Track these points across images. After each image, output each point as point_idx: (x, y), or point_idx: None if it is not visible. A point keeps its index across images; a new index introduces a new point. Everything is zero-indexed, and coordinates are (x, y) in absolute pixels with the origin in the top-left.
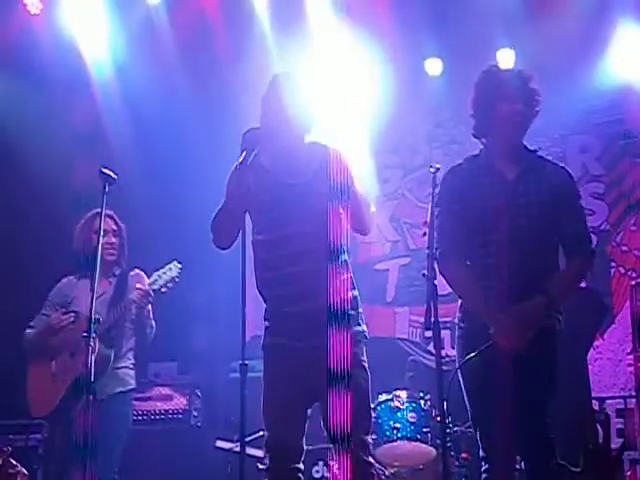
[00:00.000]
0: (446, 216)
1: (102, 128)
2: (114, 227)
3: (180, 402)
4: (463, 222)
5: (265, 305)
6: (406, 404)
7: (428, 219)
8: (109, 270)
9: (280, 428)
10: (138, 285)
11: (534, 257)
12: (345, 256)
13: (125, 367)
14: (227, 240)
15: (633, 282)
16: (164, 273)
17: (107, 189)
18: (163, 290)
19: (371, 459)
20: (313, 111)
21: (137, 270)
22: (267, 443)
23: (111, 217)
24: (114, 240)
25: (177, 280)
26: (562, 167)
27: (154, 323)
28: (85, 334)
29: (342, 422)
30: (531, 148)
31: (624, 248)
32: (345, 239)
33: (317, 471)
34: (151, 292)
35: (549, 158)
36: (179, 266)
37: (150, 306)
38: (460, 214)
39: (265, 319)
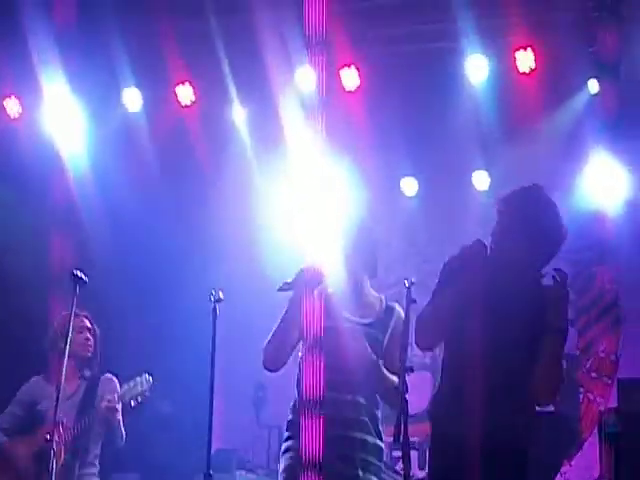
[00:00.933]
0: None
1: (77, 226)
2: (89, 326)
3: None
4: None
5: None
6: None
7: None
8: (80, 370)
9: None
10: (107, 397)
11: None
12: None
13: (91, 474)
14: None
15: (601, 408)
16: (134, 386)
17: (78, 290)
18: (132, 404)
19: None
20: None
21: (109, 375)
22: None
23: (87, 317)
24: (90, 337)
25: (147, 394)
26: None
27: (124, 432)
28: (49, 438)
29: None
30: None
31: (593, 375)
32: None
33: None
34: (119, 407)
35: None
36: (150, 379)
37: (121, 418)
38: None
39: None
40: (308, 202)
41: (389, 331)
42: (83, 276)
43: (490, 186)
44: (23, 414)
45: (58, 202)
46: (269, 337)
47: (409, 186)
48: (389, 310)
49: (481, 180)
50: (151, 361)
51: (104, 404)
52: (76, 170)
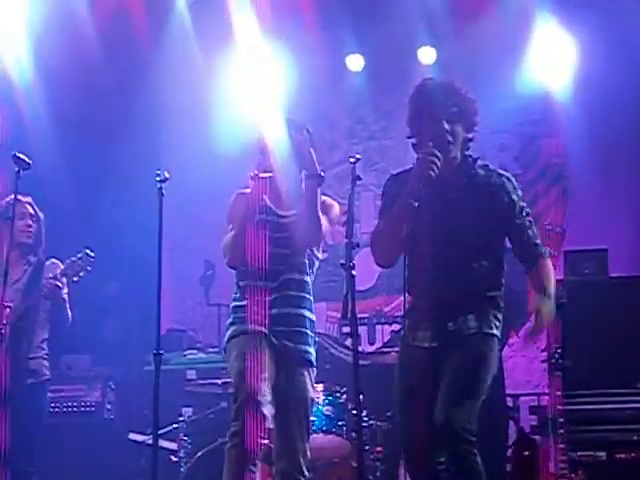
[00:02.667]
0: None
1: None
2: (32, 212)
3: (93, 395)
4: None
5: None
6: (322, 397)
7: (347, 208)
8: (24, 256)
9: None
10: (50, 274)
11: (468, 270)
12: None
13: (39, 357)
14: None
15: None
16: (75, 262)
17: (20, 174)
18: (75, 279)
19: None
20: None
21: (53, 260)
22: None
23: (30, 203)
24: (32, 224)
25: (89, 269)
26: (506, 178)
27: (70, 313)
28: None
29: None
30: (474, 157)
31: None
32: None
33: None
34: (62, 281)
35: (493, 168)
36: (91, 254)
37: (66, 296)
38: None
39: None
40: (250, 82)
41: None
42: (26, 158)
43: (436, 61)
44: None
45: None
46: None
47: (355, 62)
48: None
49: (427, 55)
50: (97, 243)
51: (46, 281)
52: (14, 48)
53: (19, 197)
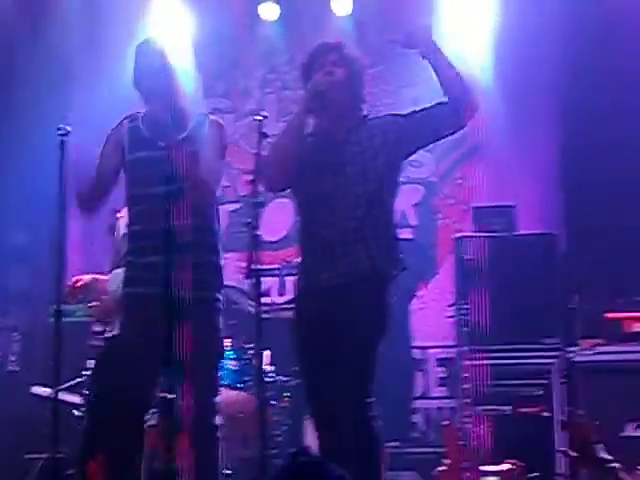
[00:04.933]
0: None
1: None
2: None
3: None
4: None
5: None
6: (228, 352)
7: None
8: None
9: None
10: None
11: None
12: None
13: None
14: None
15: (457, 234)
16: None
17: None
18: None
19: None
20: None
21: None
22: None
23: None
24: None
25: None
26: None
27: None
28: None
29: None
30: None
31: (450, 201)
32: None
33: None
34: None
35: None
36: None
37: None
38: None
39: None
40: (160, 29)
41: (204, 141)
42: None
43: (352, 12)
44: None
45: None
46: None
47: (269, 11)
48: (199, 123)
49: (341, 5)
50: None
51: None
52: None
53: None
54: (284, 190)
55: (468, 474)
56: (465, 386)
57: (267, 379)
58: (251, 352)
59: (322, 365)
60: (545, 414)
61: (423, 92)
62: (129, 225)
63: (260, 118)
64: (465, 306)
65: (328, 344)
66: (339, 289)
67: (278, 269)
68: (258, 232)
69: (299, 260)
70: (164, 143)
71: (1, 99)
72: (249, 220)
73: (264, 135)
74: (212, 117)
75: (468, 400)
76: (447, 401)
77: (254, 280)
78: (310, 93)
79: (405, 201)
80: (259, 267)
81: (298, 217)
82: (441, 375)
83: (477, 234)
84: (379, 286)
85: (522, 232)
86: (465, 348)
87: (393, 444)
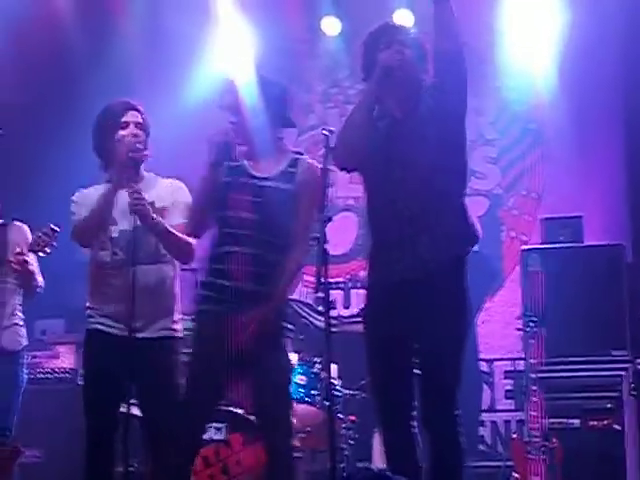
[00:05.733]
0: None
1: None
2: None
3: (67, 361)
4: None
5: None
6: (296, 367)
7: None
8: None
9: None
10: (17, 249)
11: (430, 192)
12: None
13: (14, 325)
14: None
15: (523, 246)
16: (40, 237)
17: None
18: (42, 254)
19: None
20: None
21: (17, 223)
22: None
23: None
24: None
25: (55, 244)
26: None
27: (41, 279)
28: None
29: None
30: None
31: (515, 212)
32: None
33: None
34: (29, 258)
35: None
36: (57, 229)
37: (35, 266)
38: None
39: None
40: (224, 43)
41: (296, 182)
42: None
43: (414, 25)
44: None
45: None
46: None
47: (330, 25)
48: (295, 162)
49: (404, 19)
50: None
51: (15, 257)
52: None
53: None
54: (354, 170)
55: None
56: (533, 399)
57: (336, 393)
58: (318, 366)
59: (404, 371)
60: (615, 427)
61: (486, 104)
62: (216, 245)
63: (327, 133)
64: (532, 318)
65: (408, 347)
66: (417, 281)
67: (344, 282)
68: (326, 246)
69: (369, 253)
70: (259, 173)
71: (63, 120)
72: (317, 235)
73: (331, 149)
74: (308, 160)
75: (536, 413)
76: (514, 414)
77: (323, 294)
78: (380, 70)
79: None
80: (328, 281)
81: (367, 203)
82: (508, 388)
83: (544, 246)
84: (459, 270)
85: (589, 243)
86: (532, 360)
87: None
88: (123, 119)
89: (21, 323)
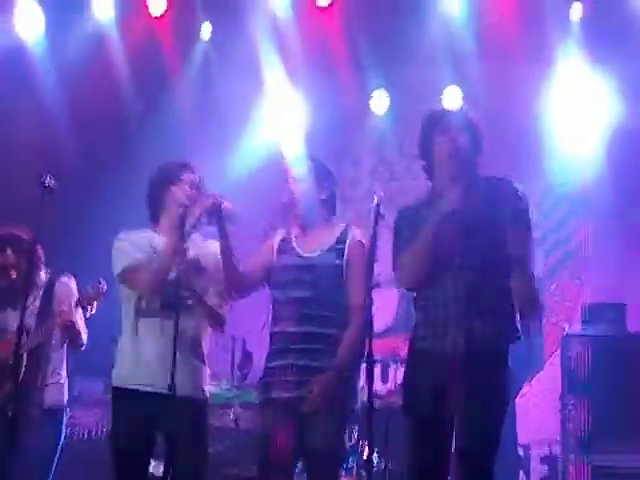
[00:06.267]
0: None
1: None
2: (12, 262)
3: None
4: None
5: None
6: None
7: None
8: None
9: None
10: (63, 307)
11: (482, 280)
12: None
13: (56, 383)
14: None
15: (565, 332)
16: (89, 294)
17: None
18: (90, 312)
19: None
20: None
21: (64, 278)
22: None
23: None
24: (12, 272)
25: (102, 299)
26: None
27: (85, 336)
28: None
29: None
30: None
31: (557, 298)
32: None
33: None
34: (75, 316)
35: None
36: (104, 287)
37: (82, 322)
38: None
39: None
40: (276, 117)
41: (345, 255)
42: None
43: (463, 102)
44: None
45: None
46: None
47: (379, 103)
48: (343, 235)
49: (453, 96)
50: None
51: (61, 316)
52: (44, 77)
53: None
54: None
55: None
56: None
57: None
58: (355, 437)
59: (441, 450)
60: None
61: (531, 185)
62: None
63: (377, 202)
64: (571, 404)
65: (448, 425)
66: (462, 357)
67: (383, 358)
68: (371, 317)
69: (414, 327)
70: (309, 250)
71: (115, 178)
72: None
73: (382, 216)
74: (355, 232)
75: None
76: None
77: (368, 367)
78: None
79: None
80: (372, 354)
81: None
82: (545, 474)
83: (585, 333)
84: (503, 353)
85: (631, 331)
86: (569, 448)
87: None
88: (180, 177)
89: (63, 381)
